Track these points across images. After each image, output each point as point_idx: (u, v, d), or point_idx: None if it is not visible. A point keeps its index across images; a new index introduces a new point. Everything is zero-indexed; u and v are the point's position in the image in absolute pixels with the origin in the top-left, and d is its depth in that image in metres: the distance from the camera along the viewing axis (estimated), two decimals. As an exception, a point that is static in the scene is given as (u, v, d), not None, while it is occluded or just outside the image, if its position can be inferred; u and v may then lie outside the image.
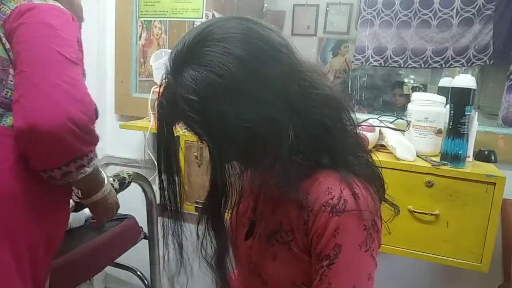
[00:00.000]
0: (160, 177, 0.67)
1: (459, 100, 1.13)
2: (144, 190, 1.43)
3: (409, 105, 1.29)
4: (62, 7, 0.89)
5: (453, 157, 1.14)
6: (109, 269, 1.80)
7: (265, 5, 2.04)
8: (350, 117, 0.66)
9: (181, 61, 0.57)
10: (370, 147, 1.26)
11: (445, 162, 1.15)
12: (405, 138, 1.26)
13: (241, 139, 0.57)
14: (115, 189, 1.15)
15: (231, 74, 0.54)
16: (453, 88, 1.15)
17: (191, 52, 0.57)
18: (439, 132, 1.24)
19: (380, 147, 1.31)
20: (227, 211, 0.76)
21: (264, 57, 0.57)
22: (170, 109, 0.60)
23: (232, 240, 0.78)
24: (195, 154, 1.39)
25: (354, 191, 0.60)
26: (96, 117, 0.85)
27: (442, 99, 1.25)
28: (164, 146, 0.65)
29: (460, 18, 1.44)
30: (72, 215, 1.19)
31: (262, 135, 0.57)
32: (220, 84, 0.54)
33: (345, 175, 0.62)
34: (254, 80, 0.55)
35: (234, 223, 0.79)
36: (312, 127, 0.60)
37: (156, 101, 0.62)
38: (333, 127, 0.62)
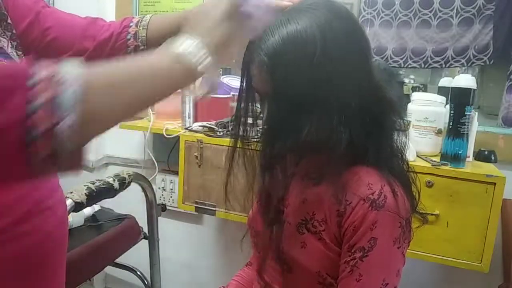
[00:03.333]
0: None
1: (459, 100, 1.13)
2: (144, 190, 1.43)
3: (409, 105, 1.29)
4: None
5: (453, 157, 1.14)
6: (109, 269, 1.80)
7: (265, 5, 2.04)
8: (402, 125, 0.69)
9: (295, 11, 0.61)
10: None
11: (445, 162, 1.15)
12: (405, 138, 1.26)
13: (305, 105, 0.60)
14: (115, 189, 1.15)
15: (327, 43, 0.58)
16: (453, 88, 1.15)
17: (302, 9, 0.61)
18: (439, 132, 1.24)
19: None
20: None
21: (360, 41, 0.63)
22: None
23: (255, 229, 0.78)
24: (195, 154, 1.39)
25: (394, 188, 0.62)
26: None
27: (442, 99, 1.25)
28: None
29: (460, 18, 1.44)
30: (72, 215, 1.19)
31: (328, 108, 0.60)
32: (312, 52, 0.58)
33: (386, 174, 0.64)
34: (346, 56, 0.60)
35: (255, 213, 0.79)
36: (369, 121, 0.63)
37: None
38: (387, 127, 0.66)
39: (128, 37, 0.78)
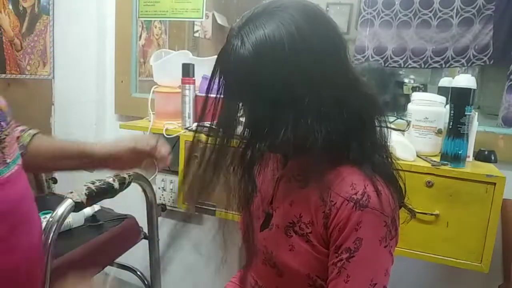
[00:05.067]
0: None
1: (459, 100, 1.13)
2: (144, 190, 1.42)
3: (409, 105, 1.29)
4: None
5: (453, 157, 1.14)
6: (109, 269, 1.80)
7: (265, 5, 2.04)
8: (383, 120, 0.68)
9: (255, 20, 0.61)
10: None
11: (445, 162, 1.15)
12: (405, 138, 1.26)
13: (282, 109, 0.60)
14: (115, 189, 1.15)
15: (297, 43, 0.58)
16: (453, 88, 1.15)
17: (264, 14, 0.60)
18: (439, 132, 1.24)
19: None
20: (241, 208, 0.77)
21: (331, 39, 0.62)
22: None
23: (247, 233, 0.78)
24: (195, 154, 1.38)
25: (377, 187, 0.62)
26: None
27: (442, 99, 1.25)
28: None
29: (460, 18, 1.44)
30: (72, 215, 1.19)
31: (302, 107, 0.59)
32: (283, 52, 0.58)
33: (369, 172, 0.63)
34: (317, 55, 0.59)
35: (248, 218, 0.79)
36: (347, 117, 0.62)
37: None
38: (367, 122, 0.65)
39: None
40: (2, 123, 0.66)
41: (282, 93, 0.59)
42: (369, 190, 0.61)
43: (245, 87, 0.61)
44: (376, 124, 0.67)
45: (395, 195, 0.65)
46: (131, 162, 0.89)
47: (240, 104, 0.65)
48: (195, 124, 1.47)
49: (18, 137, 0.79)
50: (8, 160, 0.66)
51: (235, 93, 0.63)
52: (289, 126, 0.60)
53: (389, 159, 0.70)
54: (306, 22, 0.59)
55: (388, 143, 0.70)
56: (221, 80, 0.64)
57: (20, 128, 0.81)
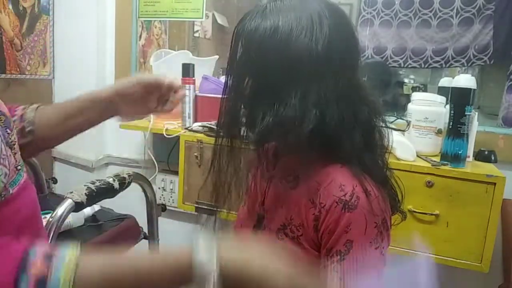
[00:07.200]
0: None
1: (459, 100, 1.13)
2: (144, 190, 1.42)
3: (409, 105, 1.29)
4: None
5: (453, 157, 1.14)
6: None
7: (265, 5, 2.04)
8: (380, 120, 0.68)
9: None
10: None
11: (445, 162, 1.15)
12: (405, 138, 1.26)
13: (283, 88, 0.61)
14: (115, 189, 1.15)
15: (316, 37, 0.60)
16: (453, 88, 1.15)
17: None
18: (439, 132, 1.24)
19: (380, 147, 1.31)
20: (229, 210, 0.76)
21: (347, 41, 0.64)
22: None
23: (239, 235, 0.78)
24: (195, 154, 1.39)
25: (366, 188, 0.61)
26: None
27: (442, 99, 1.25)
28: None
29: (460, 18, 1.44)
30: (72, 215, 1.19)
31: (302, 95, 0.60)
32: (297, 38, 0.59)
33: (358, 172, 0.63)
34: (329, 49, 0.60)
35: (241, 218, 0.79)
36: (345, 115, 0.63)
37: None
38: (361, 122, 0.65)
39: (14, 119, 0.75)
40: (8, 129, 0.64)
41: (286, 73, 0.61)
42: (358, 191, 0.61)
43: (254, 56, 0.63)
44: (372, 125, 0.67)
45: (385, 195, 0.65)
46: (141, 98, 0.82)
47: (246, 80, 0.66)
48: (196, 124, 1.47)
49: (22, 115, 0.77)
50: (19, 167, 0.66)
51: (244, 59, 0.65)
52: (284, 105, 0.61)
53: (383, 161, 0.69)
54: (330, 17, 0.61)
55: (385, 145, 0.69)
56: (235, 44, 0.66)
57: (20, 107, 0.79)
